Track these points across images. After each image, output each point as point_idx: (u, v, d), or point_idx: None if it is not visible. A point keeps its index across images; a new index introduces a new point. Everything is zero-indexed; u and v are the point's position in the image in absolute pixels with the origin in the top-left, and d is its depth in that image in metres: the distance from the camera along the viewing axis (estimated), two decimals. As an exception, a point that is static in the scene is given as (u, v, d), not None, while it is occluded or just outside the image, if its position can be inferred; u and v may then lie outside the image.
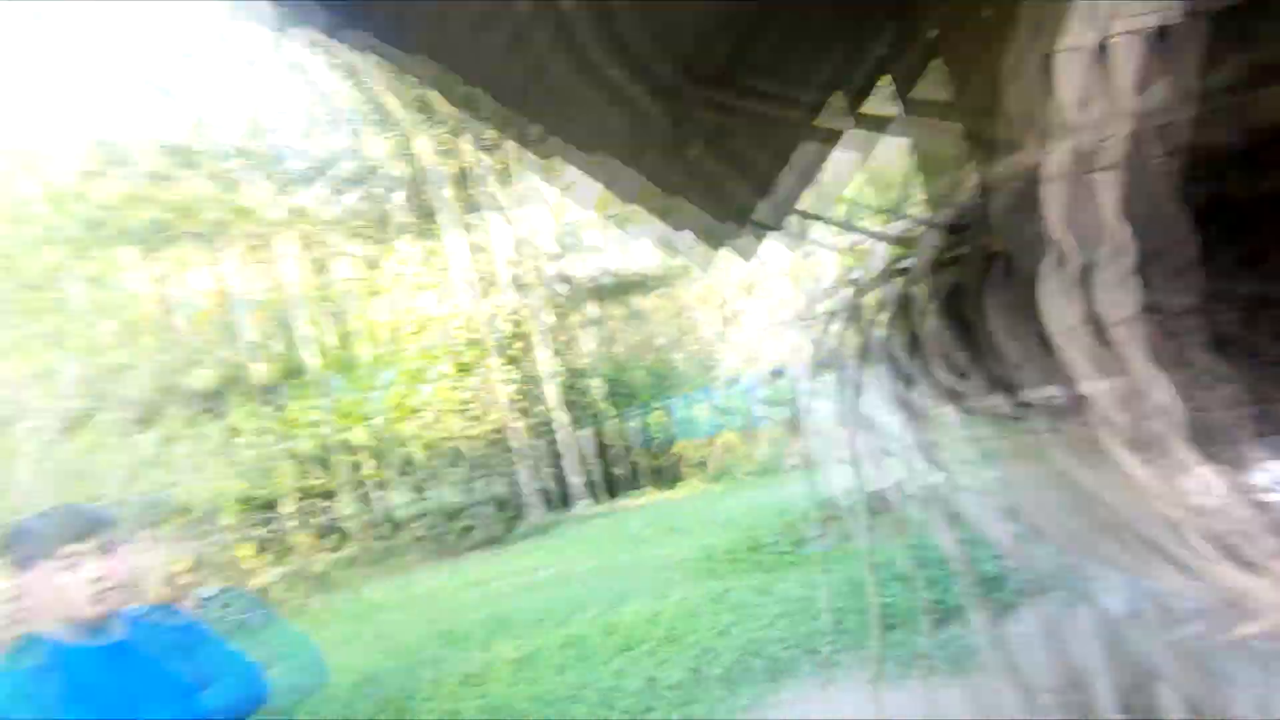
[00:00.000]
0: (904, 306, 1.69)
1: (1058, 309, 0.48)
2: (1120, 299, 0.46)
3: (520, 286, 14.57)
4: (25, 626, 1.66)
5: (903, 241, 2.43)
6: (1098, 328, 0.47)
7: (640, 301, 18.37)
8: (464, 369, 12.80)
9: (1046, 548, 1.04)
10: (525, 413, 13.91)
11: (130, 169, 11.71)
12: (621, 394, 17.04)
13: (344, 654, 6.20)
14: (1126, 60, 0.46)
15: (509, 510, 12.29)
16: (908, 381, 1.62)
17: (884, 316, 1.75)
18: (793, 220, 4.10)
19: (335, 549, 11.86)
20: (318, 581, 10.26)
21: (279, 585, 9.60)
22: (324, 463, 11.55)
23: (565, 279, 15.44)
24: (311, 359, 12.78)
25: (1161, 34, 0.47)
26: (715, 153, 2.57)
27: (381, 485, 11.68)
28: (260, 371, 11.01)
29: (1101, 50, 0.46)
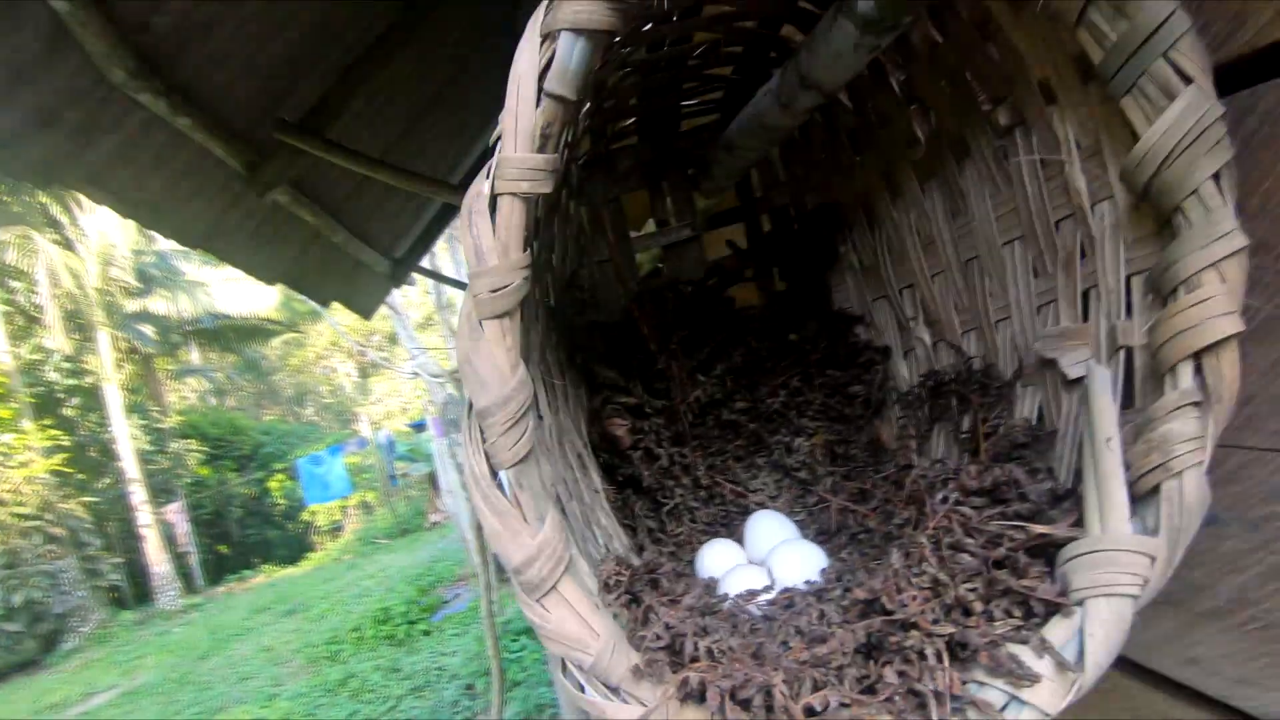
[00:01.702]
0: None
1: (465, 451, 0.47)
2: (509, 444, 0.45)
3: (83, 326, 11.45)
4: None
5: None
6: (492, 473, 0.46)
7: (258, 349, 16.02)
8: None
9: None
10: (84, 488, 10.81)
11: None
12: (231, 456, 14.50)
13: None
14: (513, 216, 0.46)
15: (49, 620, 9.27)
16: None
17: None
18: (414, 275, 3.98)
19: None
20: None
21: None
22: None
23: (150, 319, 12.64)
24: None
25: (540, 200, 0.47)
26: (315, 203, 2.35)
27: None
28: None
29: (494, 206, 0.45)
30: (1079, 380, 0.60)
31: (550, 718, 4.58)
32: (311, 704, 5.75)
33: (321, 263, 2.82)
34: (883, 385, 0.92)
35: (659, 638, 0.48)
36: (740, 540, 0.87)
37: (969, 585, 0.49)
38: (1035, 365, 0.66)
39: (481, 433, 0.47)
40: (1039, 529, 0.49)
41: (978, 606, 0.48)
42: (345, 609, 8.20)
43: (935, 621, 0.47)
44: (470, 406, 0.47)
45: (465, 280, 0.51)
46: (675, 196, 1.05)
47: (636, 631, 0.51)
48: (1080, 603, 0.45)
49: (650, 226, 1.09)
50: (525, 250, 0.48)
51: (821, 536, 0.84)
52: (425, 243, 3.69)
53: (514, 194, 0.47)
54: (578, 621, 0.47)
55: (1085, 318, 0.59)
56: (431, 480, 11.82)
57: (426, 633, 6.82)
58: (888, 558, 0.60)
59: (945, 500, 0.55)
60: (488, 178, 0.48)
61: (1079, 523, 0.51)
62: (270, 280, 2.62)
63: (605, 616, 0.48)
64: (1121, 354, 0.54)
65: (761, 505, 0.91)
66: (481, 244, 0.46)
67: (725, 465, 0.93)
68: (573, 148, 0.84)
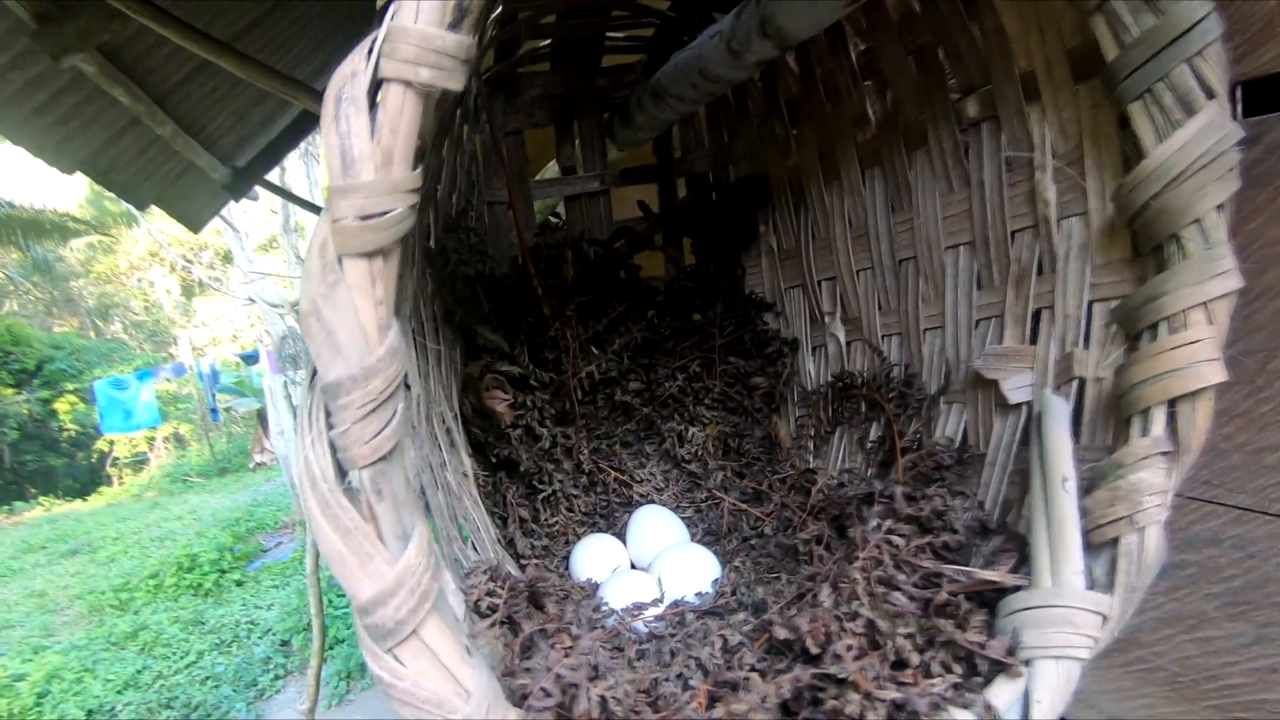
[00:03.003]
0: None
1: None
2: (367, 435, 0.31)
3: None
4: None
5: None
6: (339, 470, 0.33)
7: (53, 249, 13.65)
8: None
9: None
10: None
11: None
12: (9, 369, 12.37)
13: None
14: (405, 115, 0.30)
15: None
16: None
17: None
18: (258, 190, 3.51)
19: None
20: None
21: None
22: None
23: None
24: None
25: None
26: (135, 83, 1.93)
27: None
28: None
29: (377, 96, 0.29)
30: (1017, 406, 0.56)
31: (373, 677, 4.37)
32: (89, 658, 5.08)
33: (139, 158, 2.35)
34: (788, 380, 0.86)
35: (547, 694, 0.37)
36: (622, 535, 0.79)
37: (906, 631, 0.43)
38: (966, 383, 0.61)
39: (328, 415, 0.33)
40: (984, 575, 0.44)
41: (915, 659, 0.42)
42: (143, 552, 7.32)
43: (875, 679, 0.40)
44: (314, 375, 0.33)
45: (321, 202, 0.37)
46: (586, 141, 0.92)
47: (515, 675, 0.40)
48: (1028, 662, 0.40)
49: (553, 171, 0.95)
50: (416, 169, 0.34)
51: (710, 537, 0.78)
52: (275, 153, 3.22)
53: (409, 83, 0.33)
54: (441, 676, 0.35)
55: (1032, 340, 0.55)
56: (260, 418, 10.79)
57: (239, 583, 6.24)
58: (797, 579, 0.53)
59: (878, 527, 0.49)
60: (370, 55, 0.33)
61: (1018, 565, 0.47)
62: (67, 168, 2.13)
63: (477, 664, 0.36)
64: (1074, 385, 0.50)
65: (647, 497, 0.83)
66: (352, 147, 0.32)
67: (612, 450, 0.84)
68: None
